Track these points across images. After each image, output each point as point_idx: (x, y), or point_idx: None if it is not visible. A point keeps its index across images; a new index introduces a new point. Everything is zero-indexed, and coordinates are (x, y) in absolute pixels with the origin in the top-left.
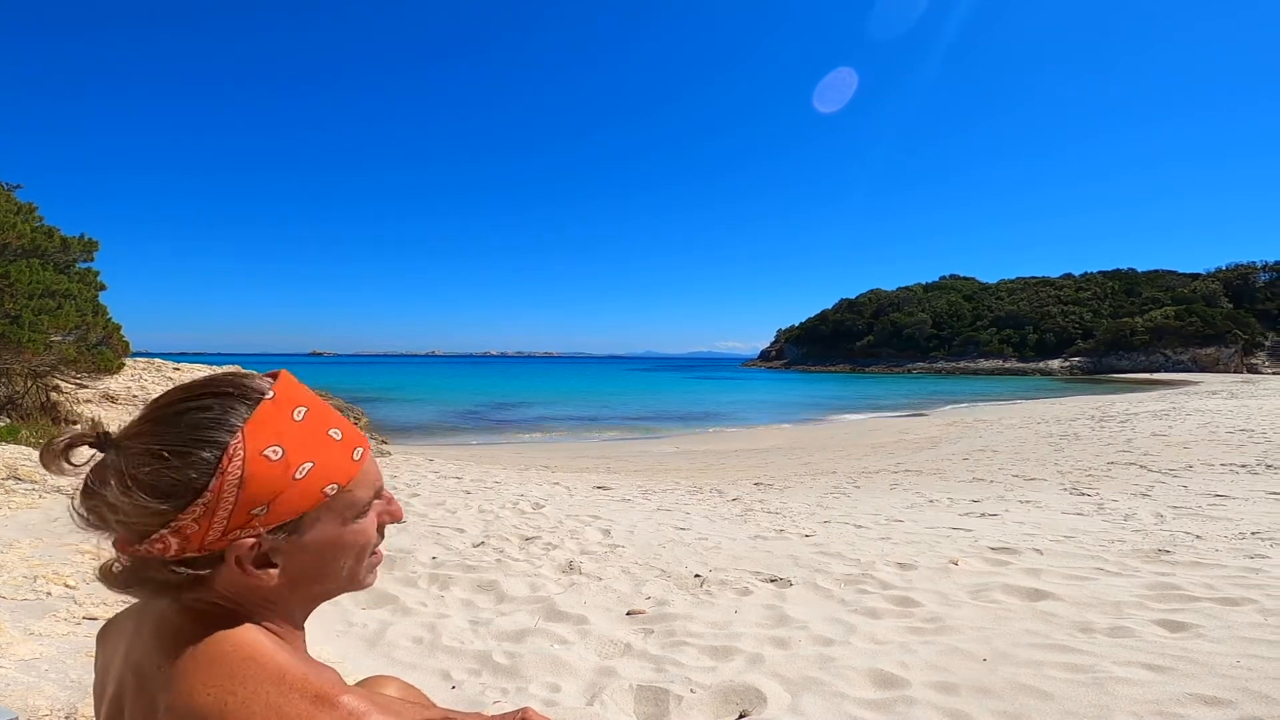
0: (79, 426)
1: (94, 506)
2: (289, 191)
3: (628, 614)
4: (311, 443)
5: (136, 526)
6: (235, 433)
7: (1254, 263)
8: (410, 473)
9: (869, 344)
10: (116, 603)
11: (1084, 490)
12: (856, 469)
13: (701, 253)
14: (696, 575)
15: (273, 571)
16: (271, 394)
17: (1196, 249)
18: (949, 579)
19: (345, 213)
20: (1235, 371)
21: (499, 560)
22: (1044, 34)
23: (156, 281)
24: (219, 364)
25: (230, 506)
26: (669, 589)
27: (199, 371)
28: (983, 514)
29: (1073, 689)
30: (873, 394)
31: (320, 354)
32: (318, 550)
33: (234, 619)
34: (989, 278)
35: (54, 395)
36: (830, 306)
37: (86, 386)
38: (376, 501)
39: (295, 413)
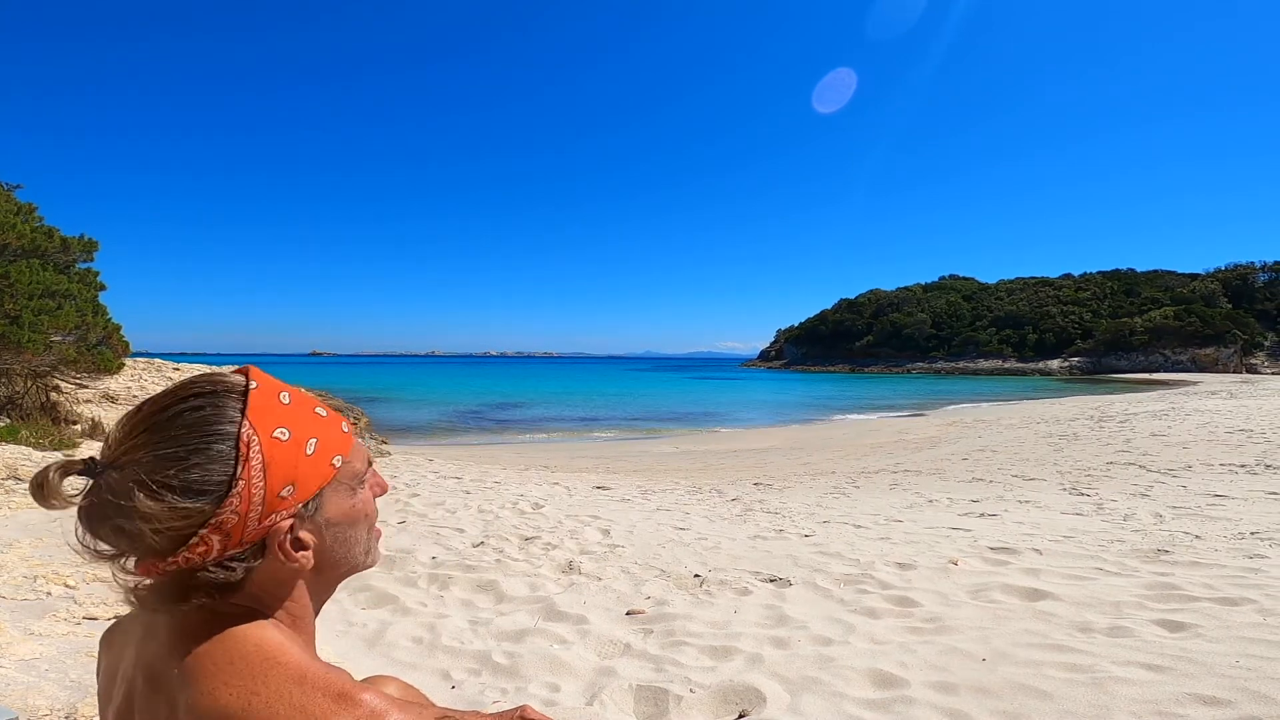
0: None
1: (118, 527)
2: (289, 191)
3: (627, 614)
4: (307, 421)
5: (174, 533)
6: (239, 423)
7: (1253, 263)
8: (410, 473)
9: (868, 344)
10: (116, 603)
11: (1083, 490)
12: (856, 469)
13: (701, 253)
14: (696, 575)
15: (308, 553)
16: (255, 384)
17: (1196, 249)
18: (948, 579)
19: (345, 213)
20: (1234, 372)
21: (499, 560)
22: (1043, 34)
23: (156, 281)
24: (219, 364)
25: (261, 492)
26: (668, 589)
27: (199, 372)
28: (982, 514)
29: (1072, 689)
30: (872, 394)
31: (320, 354)
32: (338, 524)
33: (251, 618)
34: (988, 278)
35: (54, 395)
36: (830, 307)
37: (86, 386)
38: (369, 471)
39: (281, 396)
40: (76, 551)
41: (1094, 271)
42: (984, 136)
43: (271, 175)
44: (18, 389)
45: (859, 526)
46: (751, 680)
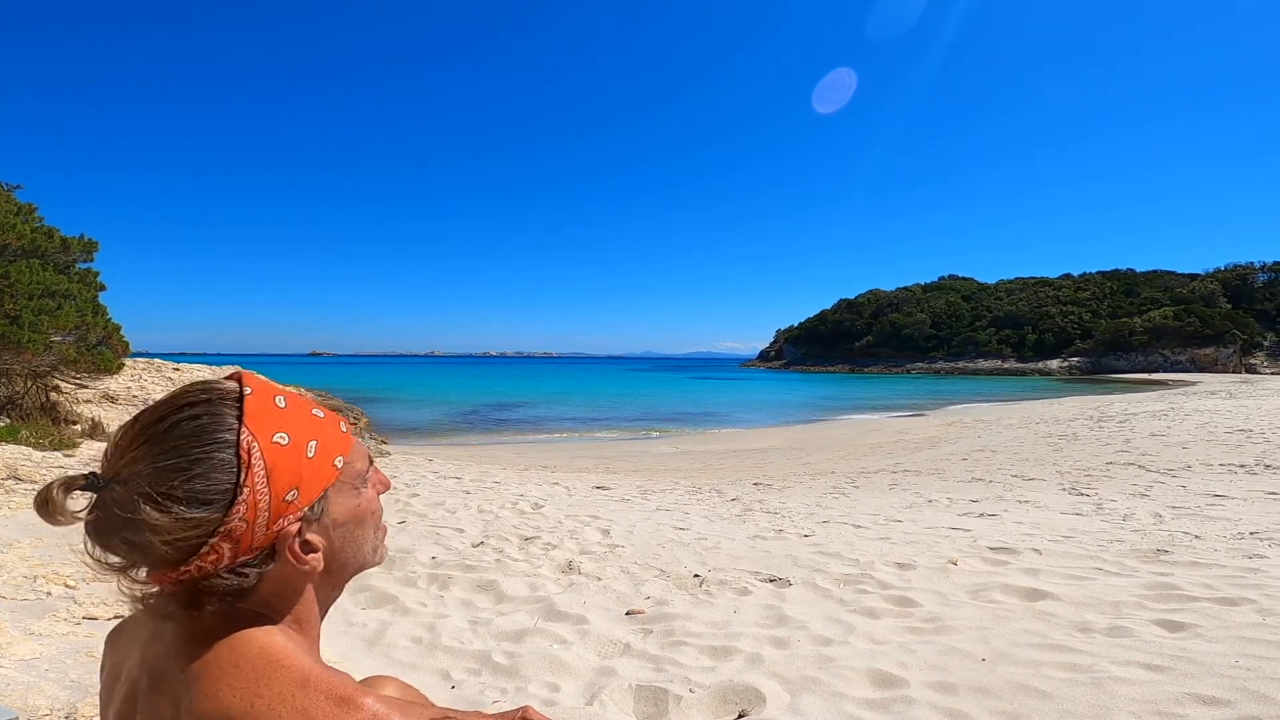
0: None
1: (128, 539)
2: (289, 191)
3: (627, 614)
4: (306, 423)
5: (183, 543)
6: (237, 430)
7: (1252, 263)
8: (410, 473)
9: (868, 344)
10: (116, 603)
11: (1083, 490)
12: (855, 469)
13: (701, 253)
14: (695, 575)
15: (318, 555)
16: (250, 389)
17: (1195, 249)
18: (948, 579)
19: (345, 213)
20: (1234, 372)
21: (498, 560)
22: (1043, 34)
23: (156, 281)
24: (219, 364)
25: (267, 497)
26: (668, 589)
27: (199, 372)
28: (981, 514)
29: (1071, 689)
30: (872, 394)
31: (319, 354)
32: (345, 524)
33: (257, 621)
34: (988, 278)
35: (54, 395)
36: (829, 307)
37: (86, 386)
38: (371, 470)
39: (277, 400)
40: (88, 565)
41: (1093, 271)
42: (984, 136)
43: (271, 175)
44: (18, 389)
45: (858, 526)
46: (751, 680)
